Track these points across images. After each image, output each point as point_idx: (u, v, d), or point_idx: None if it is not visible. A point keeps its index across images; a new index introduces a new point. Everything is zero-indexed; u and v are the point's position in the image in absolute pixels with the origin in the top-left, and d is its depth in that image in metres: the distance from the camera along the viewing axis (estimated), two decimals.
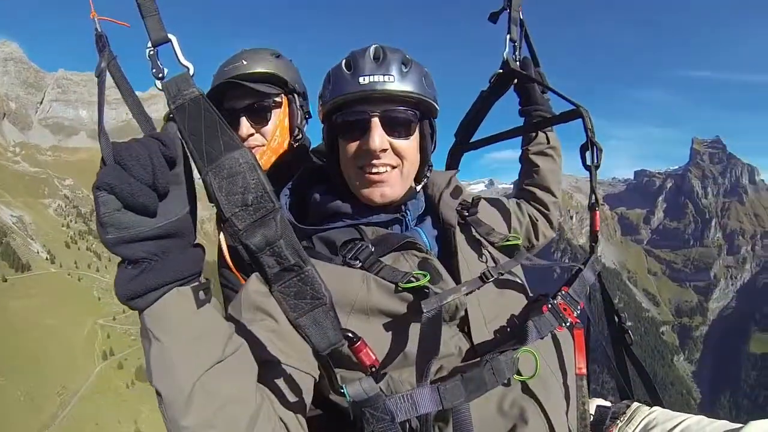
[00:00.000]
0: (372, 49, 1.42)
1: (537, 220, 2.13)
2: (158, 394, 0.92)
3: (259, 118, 1.96)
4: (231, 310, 1.30)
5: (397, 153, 1.42)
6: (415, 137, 1.47)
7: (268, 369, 1.15)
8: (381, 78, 1.36)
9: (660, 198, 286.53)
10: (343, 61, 1.44)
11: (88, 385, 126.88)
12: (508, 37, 2.04)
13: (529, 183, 2.23)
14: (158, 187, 0.89)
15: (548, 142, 2.22)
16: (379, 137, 1.38)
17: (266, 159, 1.97)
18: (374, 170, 1.41)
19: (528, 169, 2.23)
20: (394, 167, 1.43)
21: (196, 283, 0.95)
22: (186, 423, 0.92)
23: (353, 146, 1.41)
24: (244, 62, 1.95)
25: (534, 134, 2.22)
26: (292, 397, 1.15)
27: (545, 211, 2.19)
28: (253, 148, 1.95)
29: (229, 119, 1.88)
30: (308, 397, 1.21)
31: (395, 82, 1.38)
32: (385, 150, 1.40)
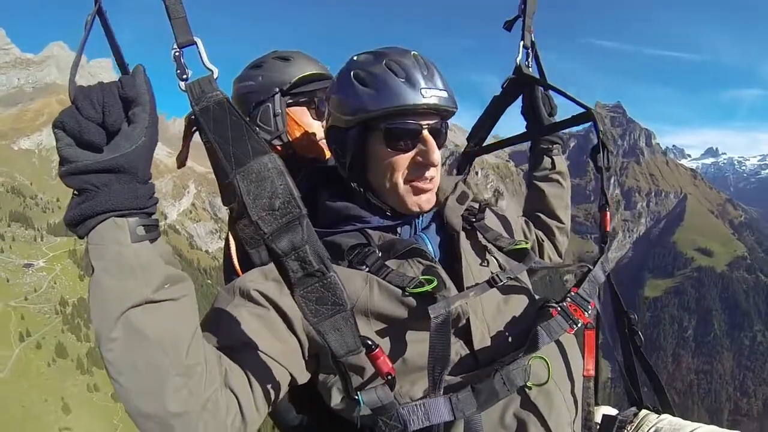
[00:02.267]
0: (414, 57, 1.39)
1: (543, 242, 2.10)
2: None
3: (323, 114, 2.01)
4: (223, 291, 1.30)
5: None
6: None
7: (241, 350, 1.16)
8: (439, 93, 1.36)
9: (564, 156, 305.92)
10: (385, 65, 1.36)
11: (8, 369, 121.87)
12: (521, 43, 2.04)
13: (535, 208, 2.19)
14: (107, 125, 0.92)
15: (554, 167, 2.18)
16: (438, 152, 1.39)
17: (323, 152, 2.01)
18: (425, 181, 1.41)
19: (534, 194, 2.20)
20: (434, 176, 1.44)
21: (136, 218, 0.96)
22: (109, 357, 0.92)
23: (404, 158, 1.38)
24: (318, 63, 2.04)
25: (540, 159, 2.19)
26: (259, 383, 1.14)
27: (551, 237, 2.15)
28: (321, 139, 1.99)
29: (319, 107, 2.02)
30: (279, 391, 1.20)
31: (448, 98, 1.38)
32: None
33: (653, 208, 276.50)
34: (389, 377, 1.08)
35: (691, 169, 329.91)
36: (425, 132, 1.37)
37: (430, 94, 1.34)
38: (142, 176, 0.97)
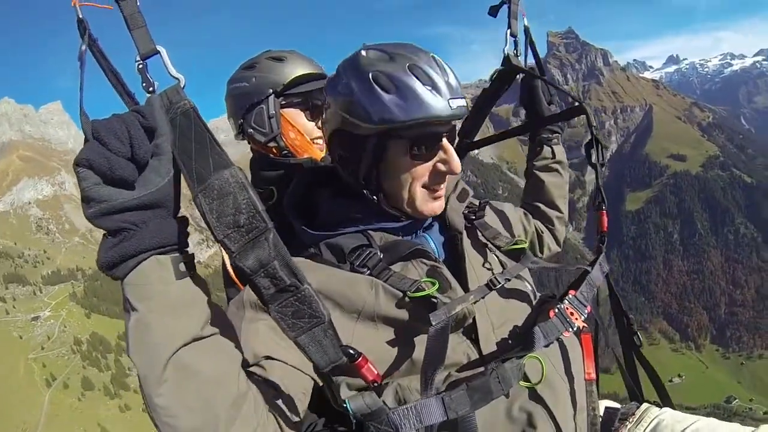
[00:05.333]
0: (437, 62, 1.35)
1: (543, 233, 2.10)
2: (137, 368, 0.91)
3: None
4: (233, 306, 1.28)
5: None
6: None
7: (266, 365, 1.14)
8: (462, 102, 1.33)
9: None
10: (409, 71, 1.29)
11: (44, 414, 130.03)
12: (508, 32, 1.97)
13: (534, 198, 2.18)
14: (137, 158, 0.89)
15: (554, 157, 2.16)
16: (458, 159, 1.37)
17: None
18: (441, 187, 1.40)
19: (533, 184, 2.18)
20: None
21: (177, 254, 0.94)
22: (160, 402, 0.89)
23: (426, 166, 1.36)
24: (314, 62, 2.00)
25: (539, 149, 2.16)
26: (288, 395, 1.13)
27: (550, 226, 2.15)
28: (316, 141, 2.04)
29: (313, 108, 2.04)
30: (305, 398, 1.20)
31: (465, 105, 1.36)
32: None
33: (621, 125, 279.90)
34: (375, 384, 1.08)
35: (653, 80, 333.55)
36: (444, 140, 1.35)
37: (456, 105, 1.31)
38: (176, 210, 0.96)
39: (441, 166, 1.36)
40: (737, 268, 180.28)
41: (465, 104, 1.34)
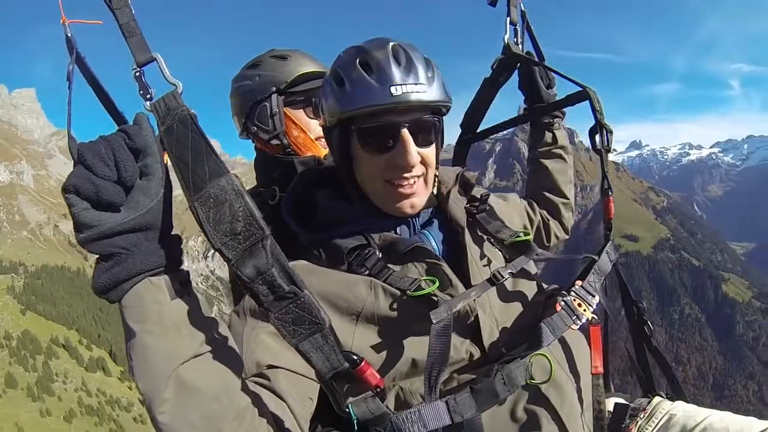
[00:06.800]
0: (391, 49, 1.29)
1: (549, 221, 2.05)
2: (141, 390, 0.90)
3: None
4: (235, 315, 1.29)
5: (423, 162, 1.34)
6: (436, 142, 1.38)
7: (270, 374, 1.14)
8: (413, 88, 1.25)
9: (490, 160, 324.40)
10: (358, 62, 1.28)
11: None
12: (507, 20, 1.95)
13: (538, 186, 2.13)
14: (124, 181, 0.88)
15: (555, 142, 2.11)
16: (413, 151, 1.29)
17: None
18: (405, 183, 1.32)
19: (536, 171, 2.14)
20: (419, 176, 1.35)
21: (170, 274, 0.94)
22: (163, 419, 0.89)
23: (381, 159, 1.30)
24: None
25: (541, 134, 2.12)
26: (293, 403, 1.13)
27: (557, 214, 2.10)
28: (319, 138, 2.03)
29: (316, 106, 2.01)
30: (312, 403, 1.20)
31: (426, 92, 1.27)
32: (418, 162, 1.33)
33: (580, 202, 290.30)
34: (378, 389, 1.07)
35: (614, 162, 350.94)
36: (404, 131, 1.28)
37: (402, 91, 1.24)
38: (168, 230, 0.95)
39: (393, 159, 1.30)
40: (680, 346, 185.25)
41: (419, 90, 1.25)
